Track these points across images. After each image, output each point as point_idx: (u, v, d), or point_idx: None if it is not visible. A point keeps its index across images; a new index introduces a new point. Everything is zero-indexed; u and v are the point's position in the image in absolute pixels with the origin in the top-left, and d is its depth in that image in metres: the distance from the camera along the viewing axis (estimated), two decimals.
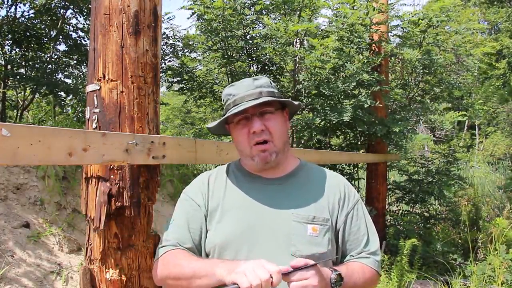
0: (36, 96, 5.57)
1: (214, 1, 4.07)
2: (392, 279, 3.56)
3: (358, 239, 1.22)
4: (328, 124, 4.18)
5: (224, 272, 0.98)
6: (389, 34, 5.08)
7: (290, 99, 1.26)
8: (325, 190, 1.23)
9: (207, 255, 1.19)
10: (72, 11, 5.41)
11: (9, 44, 5.16)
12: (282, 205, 1.17)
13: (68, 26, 5.51)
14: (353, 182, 5.14)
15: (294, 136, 4.33)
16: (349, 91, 3.97)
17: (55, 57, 5.48)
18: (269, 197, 1.19)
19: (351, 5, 4.06)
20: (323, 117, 3.85)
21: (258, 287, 0.89)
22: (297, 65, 4.34)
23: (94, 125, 1.49)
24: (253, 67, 5.09)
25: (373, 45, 4.77)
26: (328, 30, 4.49)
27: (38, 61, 5.23)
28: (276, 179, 1.23)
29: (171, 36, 5.84)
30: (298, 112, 4.11)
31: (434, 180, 5.39)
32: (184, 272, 1.09)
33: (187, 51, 5.81)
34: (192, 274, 1.07)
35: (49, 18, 5.17)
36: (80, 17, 5.48)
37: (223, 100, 1.26)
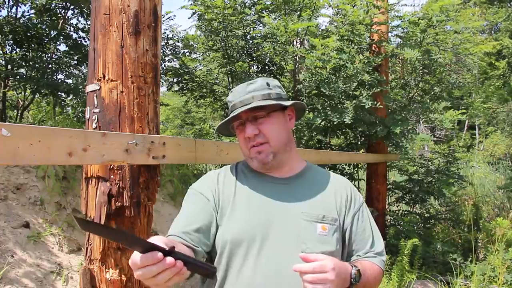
0: (36, 96, 5.58)
1: (214, 1, 4.07)
2: (393, 279, 3.56)
3: (364, 239, 1.24)
4: (329, 124, 4.18)
5: None
6: (390, 34, 5.08)
7: (283, 100, 1.25)
8: (332, 191, 1.25)
9: (216, 252, 1.18)
10: (72, 12, 5.42)
11: (9, 44, 5.16)
12: (291, 204, 1.19)
13: (68, 27, 5.52)
14: (353, 183, 5.14)
15: (294, 136, 4.33)
16: (350, 92, 3.97)
17: (56, 57, 5.49)
18: (278, 196, 1.20)
19: (352, 3, 4.06)
20: (323, 117, 3.85)
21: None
22: (297, 64, 4.34)
23: (94, 125, 1.49)
24: (253, 67, 5.09)
25: (374, 45, 4.77)
26: (328, 29, 4.48)
27: (39, 61, 5.23)
28: (284, 179, 1.25)
29: (171, 37, 5.85)
30: None
31: (434, 180, 5.39)
32: None
33: (187, 52, 5.81)
34: None
35: (49, 19, 5.17)
36: (81, 17, 5.49)
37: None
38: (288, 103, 1.23)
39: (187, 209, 1.21)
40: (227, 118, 1.23)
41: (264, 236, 1.14)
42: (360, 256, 1.24)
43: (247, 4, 4.68)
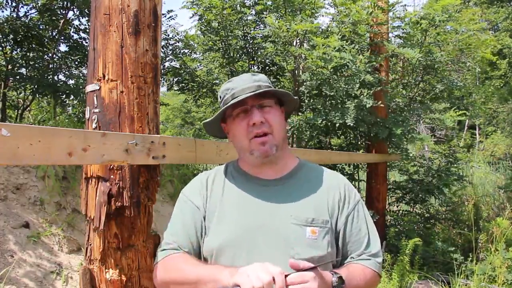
0: (36, 96, 5.57)
1: (213, 1, 4.08)
2: (393, 279, 3.56)
3: (359, 240, 1.19)
4: (329, 124, 4.17)
5: (228, 275, 0.96)
6: (390, 34, 5.08)
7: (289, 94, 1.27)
8: (325, 191, 1.21)
9: (205, 259, 1.17)
10: (73, 13, 5.42)
11: (10, 44, 5.15)
12: (280, 207, 1.15)
13: (70, 28, 5.51)
14: (353, 183, 5.14)
15: (295, 136, 4.32)
16: (352, 92, 3.95)
17: (56, 58, 5.48)
18: (267, 199, 1.17)
19: (355, 3, 4.05)
20: (324, 117, 3.84)
21: None
22: (297, 64, 4.33)
23: (94, 125, 1.49)
24: (253, 67, 5.09)
25: (374, 45, 4.77)
26: (329, 28, 4.48)
27: (39, 61, 5.22)
28: (274, 180, 1.21)
29: (172, 37, 5.84)
30: (298, 113, 4.10)
31: (434, 180, 5.39)
32: (188, 277, 1.07)
33: (188, 52, 5.81)
34: (196, 279, 1.05)
35: (49, 19, 5.17)
36: (82, 18, 5.49)
37: (220, 96, 1.25)
38: (293, 97, 1.25)
39: (179, 222, 1.21)
40: (229, 103, 1.16)
41: (252, 242, 1.11)
42: (353, 258, 1.19)
43: (246, 4, 4.68)
